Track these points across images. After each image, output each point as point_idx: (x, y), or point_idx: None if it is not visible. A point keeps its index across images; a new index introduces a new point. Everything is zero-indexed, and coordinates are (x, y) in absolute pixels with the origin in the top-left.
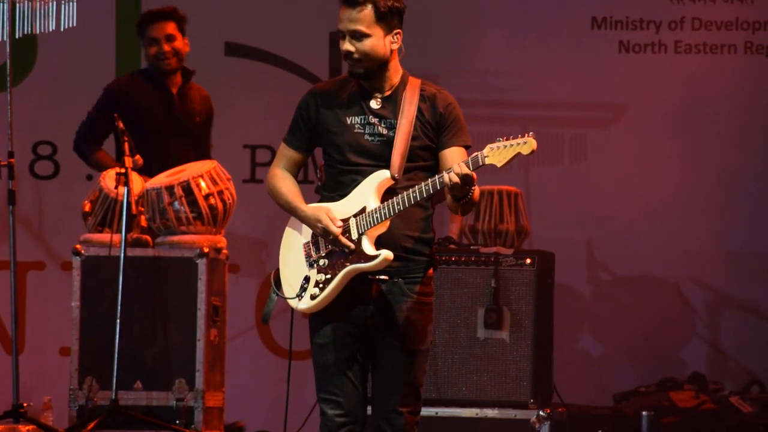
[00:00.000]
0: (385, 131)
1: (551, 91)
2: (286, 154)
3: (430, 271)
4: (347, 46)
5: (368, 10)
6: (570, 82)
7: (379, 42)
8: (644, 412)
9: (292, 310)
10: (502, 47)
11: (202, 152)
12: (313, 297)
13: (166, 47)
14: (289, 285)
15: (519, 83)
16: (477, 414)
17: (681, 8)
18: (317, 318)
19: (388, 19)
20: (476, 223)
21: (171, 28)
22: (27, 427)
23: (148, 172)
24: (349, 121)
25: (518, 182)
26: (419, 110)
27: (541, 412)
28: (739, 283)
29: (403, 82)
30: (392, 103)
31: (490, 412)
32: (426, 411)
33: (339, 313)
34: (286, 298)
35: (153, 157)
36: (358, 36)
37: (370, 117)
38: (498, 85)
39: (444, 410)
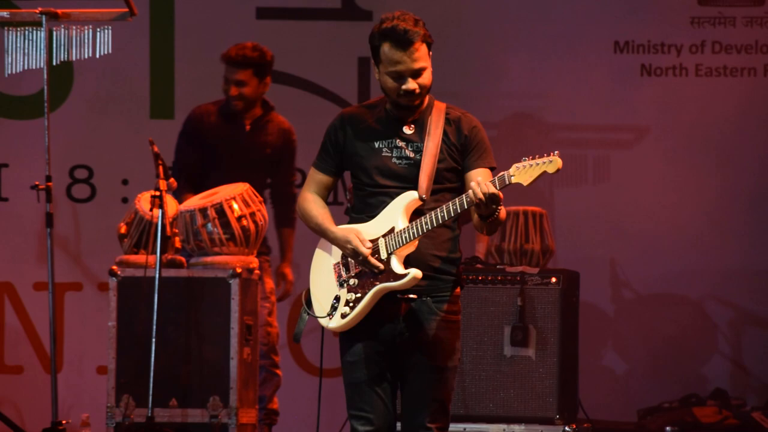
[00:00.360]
0: (412, 154)
1: (575, 113)
2: (315, 178)
3: (458, 290)
4: (412, 85)
5: (422, 46)
6: (593, 105)
7: (430, 72)
8: (668, 428)
9: (323, 328)
10: (528, 71)
11: (277, 182)
12: (343, 316)
13: (234, 92)
14: (320, 304)
15: (544, 105)
16: (504, 430)
17: (702, 32)
18: (347, 337)
19: (431, 48)
20: (502, 243)
21: (245, 75)
22: None
23: None
24: (377, 145)
25: (543, 203)
26: (445, 133)
27: (566, 428)
28: (759, 301)
29: (429, 106)
30: (419, 126)
31: (517, 428)
32: (454, 427)
33: (368, 332)
34: (317, 317)
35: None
36: (420, 72)
37: (398, 141)
38: (524, 107)
39: (471, 426)
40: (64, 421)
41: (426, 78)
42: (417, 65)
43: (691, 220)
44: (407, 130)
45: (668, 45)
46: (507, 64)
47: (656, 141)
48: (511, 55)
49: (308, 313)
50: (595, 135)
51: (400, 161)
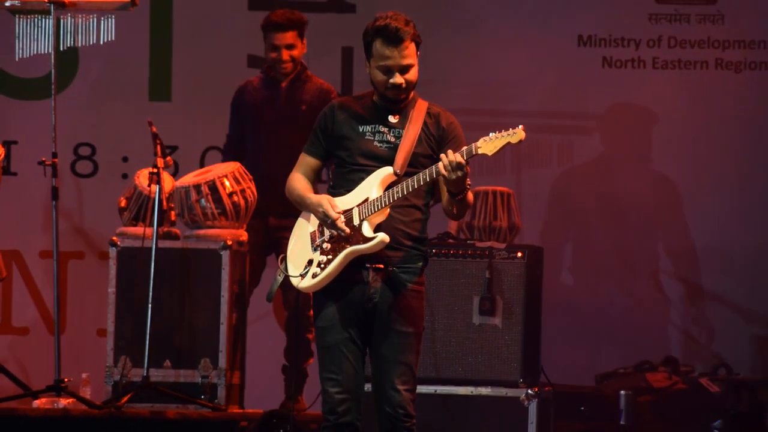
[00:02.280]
0: (393, 139)
1: (542, 101)
2: (304, 161)
3: (423, 264)
4: (399, 79)
5: (411, 44)
6: (558, 93)
7: (417, 69)
8: (622, 392)
9: (298, 291)
10: (497, 61)
11: None
12: (314, 276)
13: (285, 56)
14: (294, 266)
15: (512, 93)
16: (472, 392)
17: (659, 28)
18: (319, 304)
19: (419, 48)
20: (472, 220)
21: (292, 37)
22: (67, 400)
23: (265, 162)
24: (361, 129)
25: (510, 183)
26: (425, 124)
27: (529, 391)
28: (709, 277)
29: (413, 101)
30: (403, 117)
31: (484, 390)
32: (426, 389)
33: (339, 299)
34: (290, 276)
35: (268, 149)
36: (407, 69)
37: (381, 127)
38: (492, 95)
39: (442, 388)
40: (66, 379)
41: (412, 74)
42: (405, 61)
43: (646, 201)
44: (392, 119)
45: (627, 39)
46: (478, 54)
47: (615, 127)
48: (482, 47)
49: (283, 274)
50: (559, 122)
51: (381, 144)
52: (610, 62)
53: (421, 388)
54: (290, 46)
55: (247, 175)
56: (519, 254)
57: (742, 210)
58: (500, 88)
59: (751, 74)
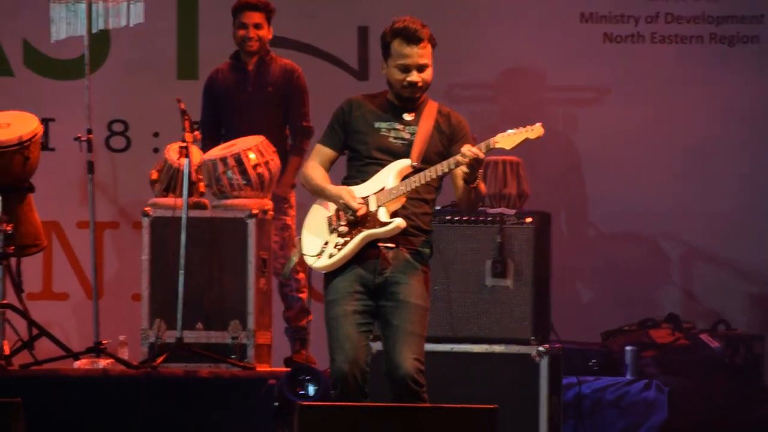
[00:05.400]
0: (407, 135)
1: (547, 75)
2: (321, 151)
3: (430, 252)
4: (415, 77)
5: (428, 45)
6: (562, 68)
7: (432, 70)
8: (628, 347)
9: (310, 270)
10: (505, 39)
11: (289, 117)
12: (330, 256)
13: (252, 33)
14: (310, 248)
15: (519, 68)
16: (486, 349)
17: (656, 5)
18: (330, 279)
19: (434, 50)
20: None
21: (259, 17)
22: (106, 361)
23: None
24: (377, 125)
25: (519, 152)
26: (437, 122)
27: (540, 348)
28: (707, 238)
29: (426, 101)
30: (417, 114)
31: (497, 348)
32: (442, 347)
33: (349, 274)
34: (306, 255)
35: (241, 129)
36: (424, 68)
37: (396, 124)
38: (501, 71)
39: (458, 346)
40: (104, 342)
41: (428, 74)
42: (422, 60)
43: (647, 167)
44: (407, 117)
45: (627, 16)
46: (486, 33)
47: (617, 99)
48: (491, 26)
49: (301, 253)
50: (563, 95)
51: (396, 140)
52: (611, 38)
53: (438, 347)
54: (258, 26)
55: (270, 147)
56: (528, 220)
57: (741, 173)
58: (507, 63)
59: (743, 47)
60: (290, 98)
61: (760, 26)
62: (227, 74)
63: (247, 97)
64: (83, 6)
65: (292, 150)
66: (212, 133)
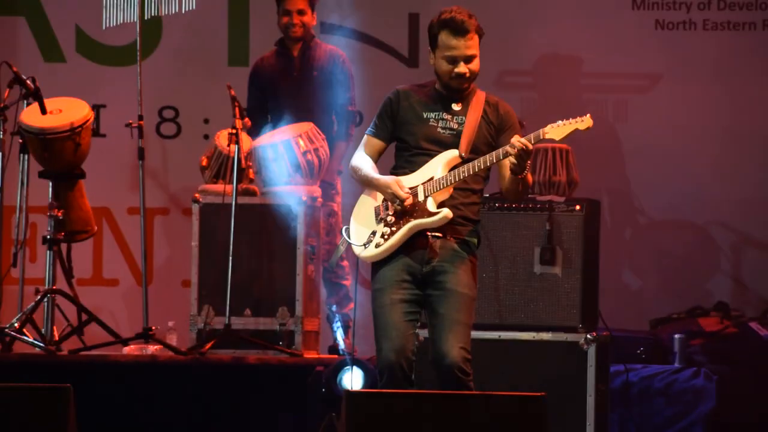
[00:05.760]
0: (456, 126)
1: (598, 63)
2: (369, 142)
3: (478, 242)
4: (463, 68)
5: (475, 36)
6: (614, 55)
7: (479, 60)
8: (676, 335)
9: (357, 259)
10: (558, 27)
11: (335, 102)
12: (377, 246)
13: (296, 20)
14: (358, 237)
15: (571, 56)
16: (534, 337)
17: None
18: (378, 268)
19: (481, 40)
20: (534, 175)
21: (302, 3)
22: (155, 347)
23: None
24: (425, 116)
25: (569, 140)
26: (485, 111)
27: (588, 336)
28: (756, 226)
29: (473, 91)
30: (465, 104)
31: (545, 335)
32: (490, 334)
33: (396, 263)
34: (353, 244)
35: (287, 115)
36: (471, 59)
37: (444, 114)
38: (554, 58)
39: (506, 333)
40: (153, 327)
41: (475, 65)
42: (470, 51)
43: (697, 157)
44: (455, 107)
45: (679, 2)
46: (537, 19)
47: (668, 86)
48: (542, 12)
49: (348, 242)
50: (614, 81)
51: (444, 130)
52: (662, 24)
53: (486, 334)
54: (301, 12)
55: (320, 134)
56: (577, 207)
57: None
58: (561, 50)
59: None
60: (336, 83)
61: None
62: (272, 61)
63: (293, 83)
64: None
65: (338, 135)
66: (258, 120)
